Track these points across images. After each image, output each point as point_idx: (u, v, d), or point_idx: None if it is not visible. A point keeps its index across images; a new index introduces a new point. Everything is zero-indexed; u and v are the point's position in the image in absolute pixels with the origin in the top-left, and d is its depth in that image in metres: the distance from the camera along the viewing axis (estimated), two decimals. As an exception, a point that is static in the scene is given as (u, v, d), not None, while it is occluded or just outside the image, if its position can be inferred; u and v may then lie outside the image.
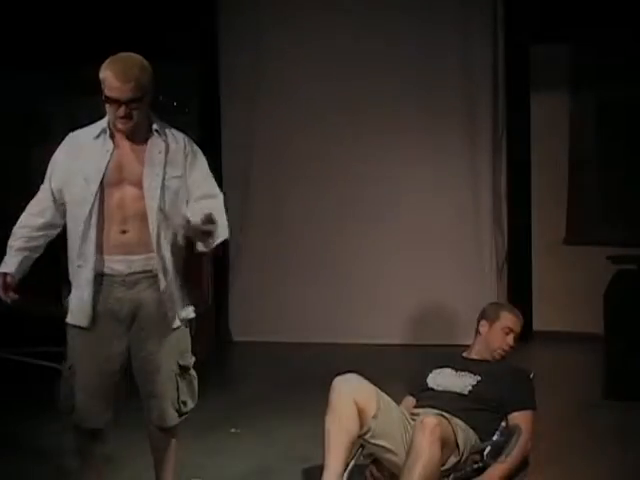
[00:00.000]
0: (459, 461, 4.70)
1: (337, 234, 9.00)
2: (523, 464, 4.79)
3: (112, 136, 4.36)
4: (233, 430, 6.21)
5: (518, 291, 8.95)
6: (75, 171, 4.33)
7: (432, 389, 4.99)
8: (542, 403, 6.61)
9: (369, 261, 8.94)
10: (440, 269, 8.73)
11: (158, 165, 4.36)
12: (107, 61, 4.40)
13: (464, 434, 4.75)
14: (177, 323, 4.46)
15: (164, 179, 4.34)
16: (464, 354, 5.15)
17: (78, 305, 4.38)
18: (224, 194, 9.38)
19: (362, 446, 4.84)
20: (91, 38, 9.16)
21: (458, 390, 4.89)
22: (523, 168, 8.94)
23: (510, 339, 5.04)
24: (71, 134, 4.48)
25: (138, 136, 4.39)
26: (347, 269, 8.99)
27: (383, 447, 4.76)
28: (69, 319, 4.44)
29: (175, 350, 4.47)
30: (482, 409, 4.83)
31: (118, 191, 4.29)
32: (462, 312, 8.61)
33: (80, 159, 4.35)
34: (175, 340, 4.47)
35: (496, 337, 5.06)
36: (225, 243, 9.02)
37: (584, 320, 8.25)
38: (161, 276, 4.35)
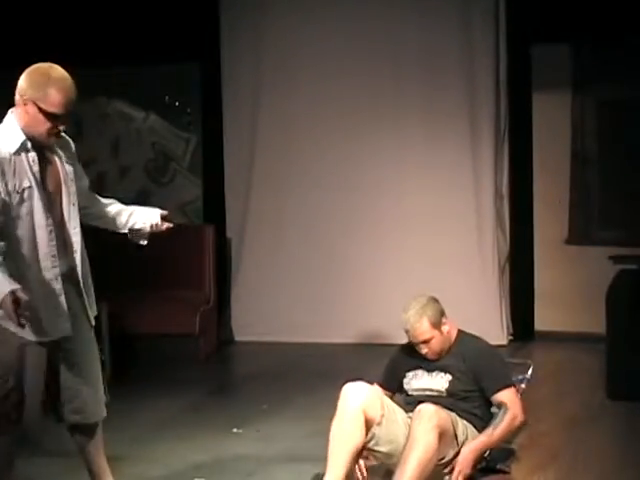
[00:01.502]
0: (457, 453, 4.72)
1: (339, 234, 9.00)
2: (511, 436, 4.89)
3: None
4: (235, 430, 6.21)
5: (520, 291, 8.96)
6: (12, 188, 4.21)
7: (411, 396, 4.99)
8: (545, 403, 6.65)
9: (371, 261, 8.94)
10: (442, 269, 8.72)
11: (71, 172, 4.50)
12: (42, 73, 4.25)
13: (463, 426, 4.79)
14: None
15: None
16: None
17: None
18: (226, 194, 9.33)
19: (366, 457, 4.88)
20: (93, 39, 9.18)
21: (436, 394, 4.88)
22: (525, 168, 8.94)
23: (418, 348, 4.93)
24: None
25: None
26: (349, 269, 9.00)
27: (387, 453, 4.80)
28: None
29: None
30: (465, 400, 4.85)
31: (45, 202, 4.32)
32: (464, 312, 8.58)
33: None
34: None
35: None
36: (228, 244, 9.03)
37: (586, 320, 8.24)
38: None
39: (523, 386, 5.25)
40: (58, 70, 4.28)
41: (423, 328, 4.87)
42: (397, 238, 8.87)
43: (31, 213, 4.22)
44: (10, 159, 4.18)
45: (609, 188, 9.05)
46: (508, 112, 8.85)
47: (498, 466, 5.17)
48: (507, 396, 4.79)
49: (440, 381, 4.90)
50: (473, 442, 4.73)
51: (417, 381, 4.98)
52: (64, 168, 4.42)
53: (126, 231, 4.76)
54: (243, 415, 6.57)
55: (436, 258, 8.77)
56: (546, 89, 8.90)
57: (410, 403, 4.98)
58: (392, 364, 5.13)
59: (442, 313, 4.95)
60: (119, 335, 7.96)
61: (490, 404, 4.87)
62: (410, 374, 5.02)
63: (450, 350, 4.94)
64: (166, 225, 4.74)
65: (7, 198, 4.15)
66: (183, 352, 8.33)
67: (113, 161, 9.64)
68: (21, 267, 4.22)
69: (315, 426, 6.08)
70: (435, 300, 4.99)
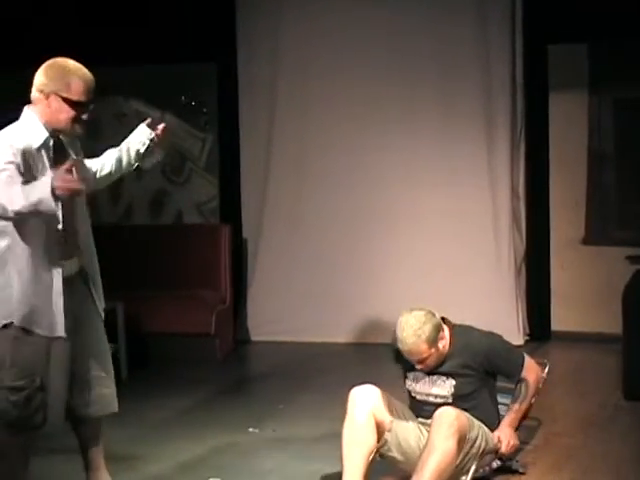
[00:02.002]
0: (468, 452, 4.74)
1: (355, 235, 8.99)
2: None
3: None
4: (251, 429, 6.21)
5: (536, 291, 8.94)
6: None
7: (415, 399, 5.05)
8: (561, 403, 6.63)
9: (387, 261, 8.94)
10: (458, 269, 8.71)
11: (83, 168, 4.60)
12: (62, 66, 4.45)
13: (478, 427, 4.82)
14: None
15: None
16: None
17: None
18: (242, 193, 9.32)
19: (381, 455, 4.93)
20: (109, 38, 9.20)
21: (441, 400, 4.92)
22: (541, 167, 8.92)
23: (415, 364, 4.94)
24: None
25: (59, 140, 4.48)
26: (365, 269, 8.99)
27: (399, 459, 4.82)
28: None
29: None
30: (472, 397, 4.93)
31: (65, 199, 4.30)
32: (480, 312, 8.58)
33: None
34: None
35: None
36: (244, 244, 9.05)
37: (603, 320, 8.22)
38: None
39: (540, 385, 5.25)
40: (73, 62, 4.47)
41: (420, 349, 4.84)
42: (413, 238, 8.86)
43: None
44: (34, 154, 4.27)
45: (626, 188, 9.02)
46: (525, 111, 8.83)
47: (514, 467, 5.18)
48: (525, 371, 4.99)
49: (444, 386, 4.95)
50: (506, 420, 4.96)
51: (419, 385, 5.01)
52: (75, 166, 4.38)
53: (137, 163, 4.85)
54: (259, 415, 6.57)
55: (452, 258, 8.75)
56: (563, 88, 8.87)
57: (416, 408, 5.04)
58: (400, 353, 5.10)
59: (439, 329, 4.92)
60: (135, 334, 7.98)
61: (491, 387, 5.07)
62: (411, 375, 5.05)
63: (449, 355, 4.97)
64: (160, 128, 4.87)
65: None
66: (199, 352, 8.34)
67: (130, 161, 9.65)
68: (32, 263, 4.26)
69: (332, 426, 6.06)
70: (432, 315, 4.96)
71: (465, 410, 4.81)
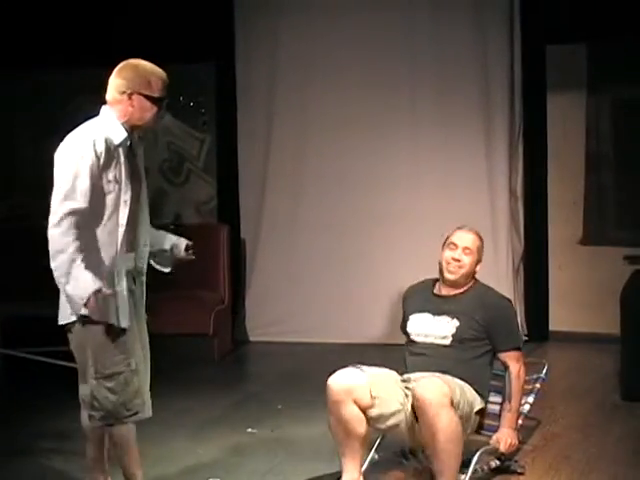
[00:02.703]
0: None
1: (353, 236, 9.00)
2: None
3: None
4: (249, 430, 6.22)
5: (534, 291, 8.95)
6: (110, 179, 4.42)
7: (414, 341, 5.08)
8: (558, 404, 6.64)
9: (386, 262, 8.95)
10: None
11: (142, 169, 4.70)
12: (141, 66, 4.69)
13: (460, 391, 4.80)
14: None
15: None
16: (435, 291, 5.20)
17: None
18: (240, 194, 9.32)
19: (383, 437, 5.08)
20: (108, 38, 9.20)
21: (440, 341, 4.97)
22: (539, 168, 8.93)
23: (452, 253, 5.12)
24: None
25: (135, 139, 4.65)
26: (363, 270, 9.00)
27: (389, 426, 4.85)
28: None
29: None
30: (470, 349, 4.96)
31: (133, 197, 4.52)
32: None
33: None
34: None
35: (443, 256, 5.15)
36: (242, 244, 9.04)
37: (600, 321, 8.23)
38: None
39: (538, 385, 5.27)
40: (144, 61, 4.74)
41: (472, 238, 5.19)
42: (412, 239, 8.86)
43: (118, 206, 4.41)
44: (114, 151, 4.41)
45: (624, 188, 9.03)
46: (523, 112, 8.85)
47: (512, 467, 5.19)
48: (510, 357, 4.99)
49: (446, 326, 4.99)
50: (503, 422, 4.95)
51: (422, 325, 5.06)
52: (142, 165, 4.69)
53: (152, 249, 4.81)
54: (257, 415, 6.58)
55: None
56: (561, 89, 8.89)
57: (413, 354, 5.03)
58: (403, 308, 5.28)
59: (482, 253, 5.23)
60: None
61: (491, 356, 5.05)
62: (415, 317, 5.12)
63: (465, 293, 5.11)
64: (189, 256, 4.96)
65: (105, 187, 4.35)
66: (197, 352, 8.34)
67: (128, 161, 9.65)
68: (101, 256, 4.39)
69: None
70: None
71: (462, 360, 4.88)
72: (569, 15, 8.43)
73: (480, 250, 5.19)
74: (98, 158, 4.32)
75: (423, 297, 5.18)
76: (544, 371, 5.36)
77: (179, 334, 8.31)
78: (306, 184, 9.12)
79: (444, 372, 4.82)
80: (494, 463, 5.09)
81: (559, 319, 8.90)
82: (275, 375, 7.99)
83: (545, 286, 8.98)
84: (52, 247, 4.24)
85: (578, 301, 8.90)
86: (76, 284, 4.22)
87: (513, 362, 4.98)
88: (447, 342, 4.96)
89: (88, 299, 4.22)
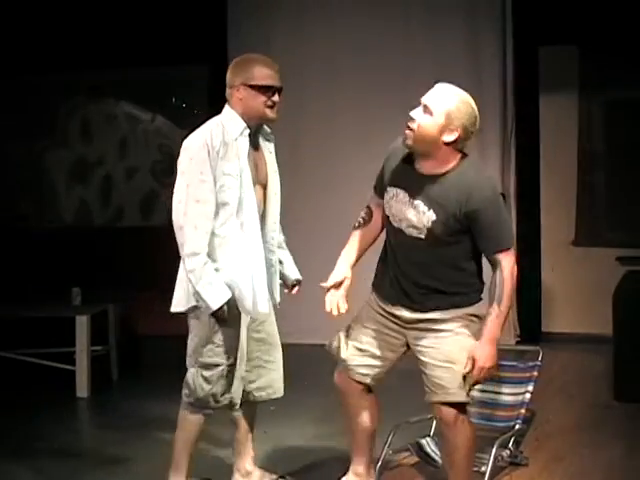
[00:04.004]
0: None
1: (342, 238, 8.97)
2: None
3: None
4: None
5: (527, 293, 8.93)
6: (228, 172, 4.54)
7: (390, 222, 4.55)
8: (551, 404, 6.64)
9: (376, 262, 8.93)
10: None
11: (274, 165, 4.81)
12: (244, 58, 4.90)
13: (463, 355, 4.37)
14: None
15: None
16: (417, 165, 4.44)
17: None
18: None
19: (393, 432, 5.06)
20: (103, 41, 9.21)
21: (415, 233, 4.37)
22: (532, 169, 8.94)
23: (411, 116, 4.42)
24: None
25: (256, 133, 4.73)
26: (357, 271, 8.97)
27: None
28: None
29: None
30: (446, 246, 4.36)
31: (257, 191, 4.67)
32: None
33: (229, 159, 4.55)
34: None
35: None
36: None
37: (593, 321, 8.25)
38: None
39: (536, 373, 5.30)
40: (256, 54, 4.93)
41: (439, 96, 4.40)
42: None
43: (242, 200, 4.55)
44: (230, 144, 4.54)
45: (616, 189, 9.04)
46: (515, 113, 8.85)
47: (516, 460, 5.23)
48: (505, 256, 4.33)
49: (421, 217, 4.35)
50: (486, 333, 4.29)
51: (397, 205, 4.47)
52: (270, 159, 4.80)
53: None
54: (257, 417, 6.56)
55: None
56: (553, 90, 8.90)
57: (389, 232, 4.65)
58: (381, 171, 4.73)
59: (467, 131, 4.39)
60: (127, 336, 7.97)
61: (474, 253, 4.41)
62: (391, 191, 4.51)
63: (446, 175, 4.36)
64: (294, 292, 5.16)
65: (225, 182, 4.50)
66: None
67: (120, 162, 9.65)
68: (239, 245, 4.55)
69: (322, 428, 6.10)
70: (474, 111, 4.41)
71: (437, 258, 4.40)
72: (561, 16, 8.45)
73: (452, 117, 4.29)
74: (217, 153, 4.48)
75: (403, 168, 4.50)
76: (539, 358, 5.40)
77: (172, 335, 8.27)
78: (299, 185, 9.09)
79: (425, 269, 4.43)
80: (505, 454, 5.13)
81: (552, 320, 8.92)
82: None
83: (537, 287, 8.99)
84: (188, 249, 4.53)
85: (571, 302, 8.92)
86: (210, 289, 4.46)
87: (504, 261, 4.31)
88: (422, 236, 4.36)
89: (221, 308, 4.46)
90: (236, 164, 4.51)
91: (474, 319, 4.43)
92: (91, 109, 9.62)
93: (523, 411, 5.31)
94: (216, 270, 4.51)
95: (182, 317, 8.19)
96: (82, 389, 7.29)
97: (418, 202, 4.35)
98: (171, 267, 9.20)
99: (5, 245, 9.20)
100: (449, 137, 4.31)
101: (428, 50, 8.80)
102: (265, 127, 4.79)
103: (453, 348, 4.36)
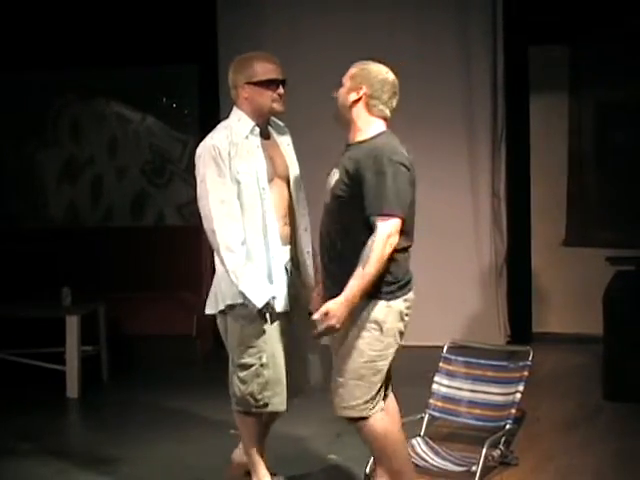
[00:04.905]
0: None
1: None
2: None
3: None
4: (232, 432, 6.19)
5: (517, 293, 8.95)
6: (243, 170, 4.62)
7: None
8: (542, 404, 6.65)
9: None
10: (440, 271, 8.71)
11: (293, 157, 4.93)
12: (244, 58, 4.96)
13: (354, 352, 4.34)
14: None
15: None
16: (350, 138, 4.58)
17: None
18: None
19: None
20: (93, 40, 9.20)
21: (327, 198, 4.51)
22: (522, 169, 8.94)
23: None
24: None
25: (266, 129, 4.82)
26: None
27: None
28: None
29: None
30: (344, 208, 4.37)
31: (275, 186, 4.72)
32: (462, 313, 8.61)
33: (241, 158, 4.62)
34: None
35: None
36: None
37: (583, 321, 8.25)
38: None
39: (526, 373, 5.31)
40: (251, 52, 4.99)
41: (349, 71, 4.66)
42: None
43: (258, 196, 4.61)
44: (240, 142, 4.62)
45: (607, 189, 9.05)
46: (505, 114, 8.85)
47: (507, 460, 5.23)
48: (379, 223, 4.21)
49: (333, 178, 4.51)
50: (344, 291, 4.17)
51: (330, 177, 4.58)
52: (289, 151, 4.94)
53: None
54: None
55: (434, 260, 8.74)
56: (543, 91, 8.91)
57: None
58: None
59: (374, 89, 4.51)
60: (116, 336, 7.96)
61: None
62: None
63: (361, 144, 4.49)
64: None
65: (241, 180, 4.57)
66: (180, 353, 8.33)
67: (110, 162, 9.63)
68: (252, 241, 4.60)
69: (311, 429, 6.09)
70: (391, 86, 4.63)
71: (334, 221, 4.41)
72: (552, 16, 8.45)
73: (356, 77, 4.56)
74: (228, 154, 4.57)
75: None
76: (530, 357, 5.41)
77: (162, 335, 8.29)
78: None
79: (327, 234, 4.45)
80: (496, 454, 5.14)
81: (542, 320, 8.92)
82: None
83: (528, 287, 8.99)
84: (223, 249, 4.57)
85: (561, 302, 8.93)
86: (253, 287, 4.50)
87: (380, 227, 4.18)
88: (327, 199, 4.46)
89: (266, 305, 4.52)
90: (250, 162, 4.60)
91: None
92: (81, 108, 9.60)
93: (513, 411, 5.31)
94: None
95: (173, 317, 8.21)
96: (72, 389, 7.28)
97: (335, 170, 4.55)
98: (162, 267, 9.23)
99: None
100: (354, 95, 4.50)
101: (417, 48, 8.79)
102: (277, 121, 4.95)
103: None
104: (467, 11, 8.73)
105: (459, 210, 8.79)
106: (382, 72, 4.58)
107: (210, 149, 4.62)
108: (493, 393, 5.43)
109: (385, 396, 4.52)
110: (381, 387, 4.40)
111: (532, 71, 8.85)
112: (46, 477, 5.42)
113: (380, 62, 4.69)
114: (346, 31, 8.90)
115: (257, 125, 4.71)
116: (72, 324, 7.25)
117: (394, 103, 4.63)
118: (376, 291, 4.26)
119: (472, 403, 5.50)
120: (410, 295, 4.39)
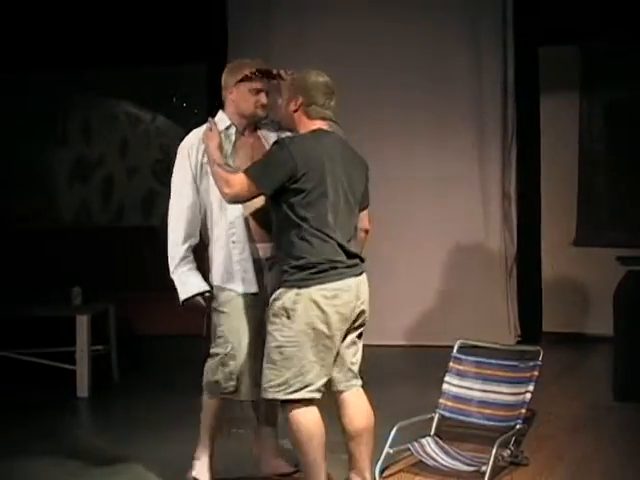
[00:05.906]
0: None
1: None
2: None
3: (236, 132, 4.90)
4: (234, 430, 6.20)
5: (527, 292, 8.95)
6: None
7: None
8: (551, 404, 6.64)
9: (380, 262, 8.91)
10: (450, 271, 8.72)
11: None
12: (232, 66, 5.00)
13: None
14: None
15: None
16: None
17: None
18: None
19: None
20: (103, 41, 9.21)
21: None
22: (533, 169, 8.94)
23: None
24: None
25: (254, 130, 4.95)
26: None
27: None
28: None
29: None
30: (276, 218, 4.52)
31: None
32: (472, 313, 8.60)
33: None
34: None
35: None
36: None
37: (593, 321, 8.25)
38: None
39: (536, 373, 5.30)
40: (247, 59, 5.01)
41: (286, 84, 4.72)
42: (406, 240, 8.86)
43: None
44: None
45: (617, 189, 9.04)
46: (516, 114, 8.85)
47: (519, 458, 5.23)
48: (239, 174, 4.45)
49: None
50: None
51: None
52: None
53: None
54: (244, 416, 6.55)
55: (444, 259, 8.77)
56: (554, 91, 8.90)
57: None
58: None
59: (309, 95, 4.59)
60: (126, 336, 7.97)
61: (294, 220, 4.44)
62: None
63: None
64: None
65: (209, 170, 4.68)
66: (191, 353, 8.32)
67: (121, 162, 9.65)
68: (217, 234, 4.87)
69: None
70: (308, 77, 4.65)
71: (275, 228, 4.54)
72: (562, 17, 8.44)
73: (291, 89, 4.63)
74: (196, 151, 4.80)
75: None
76: (540, 357, 5.40)
77: (172, 335, 8.30)
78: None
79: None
80: (506, 453, 5.13)
81: (552, 320, 8.91)
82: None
83: (538, 287, 8.99)
84: (170, 238, 4.93)
85: (571, 302, 8.91)
86: (180, 281, 5.02)
87: (238, 175, 4.47)
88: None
89: (190, 298, 4.95)
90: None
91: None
92: (92, 108, 9.62)
93: (524, 411, 5.31)
94: (190, 270, 4.99)
95: (183, 317, 8.19)
96: (82, 389, 7.29)
97: None
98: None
99: (6, 244, 9.20)
100: (293, 105, 4.61)
101: (428, 50, 8.80)
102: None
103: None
104: (477, 12, 8.73)
105: (470, 210, 8.79)
106: (312, 77, 4.68)
107: (184, 145, 4.90)
108: (503, 393, 5.42)
109: (340, 392, 4.61)
110: (304, 376, 4.41)
111: (542, 72, 8.84)
112: (57, 477, 5.42)
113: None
114: (356, 31, 8.94)
115: (234, 125, 4.88)
116: (82, 324, 7.26)
117: (332, 102, 4.72)
118: (288, 278, 4.40)
119: (482, 403, 5.49)
120: (331, 285, 4.41)
